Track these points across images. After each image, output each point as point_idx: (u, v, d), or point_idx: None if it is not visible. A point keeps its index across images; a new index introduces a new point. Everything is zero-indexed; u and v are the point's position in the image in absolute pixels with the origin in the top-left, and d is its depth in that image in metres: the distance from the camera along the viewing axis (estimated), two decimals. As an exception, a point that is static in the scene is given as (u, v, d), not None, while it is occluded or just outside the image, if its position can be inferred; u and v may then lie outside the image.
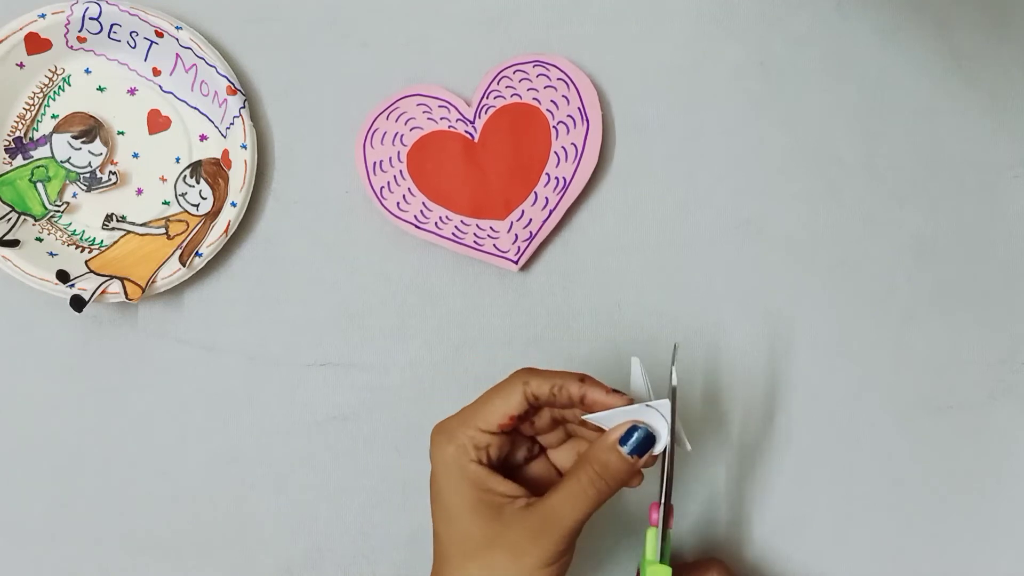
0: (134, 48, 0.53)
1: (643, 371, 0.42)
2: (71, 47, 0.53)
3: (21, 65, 0.52)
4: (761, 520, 0.53)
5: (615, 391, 0.41)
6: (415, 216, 0.53)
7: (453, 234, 0.53)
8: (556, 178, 0.52)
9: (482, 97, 0.53)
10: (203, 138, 0.54)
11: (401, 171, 0.53)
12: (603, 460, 0.40)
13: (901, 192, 0.54)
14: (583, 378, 0.41)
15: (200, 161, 0.53)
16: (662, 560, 0.42)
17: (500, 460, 0.43)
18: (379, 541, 0.53)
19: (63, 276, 0.51)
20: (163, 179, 0.54)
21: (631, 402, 0.40)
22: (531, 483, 0.44)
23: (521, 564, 0.40)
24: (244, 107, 0.52)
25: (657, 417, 0.40)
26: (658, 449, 0.41)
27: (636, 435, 0.40)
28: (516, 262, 0.53)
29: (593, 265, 0.53)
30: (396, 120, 0.53)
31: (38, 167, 0.53)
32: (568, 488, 0.40)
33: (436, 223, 0.53)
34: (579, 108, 0.52)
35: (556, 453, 0.45)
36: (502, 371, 0.53)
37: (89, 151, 0.53)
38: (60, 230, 0.53)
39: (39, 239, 0.53)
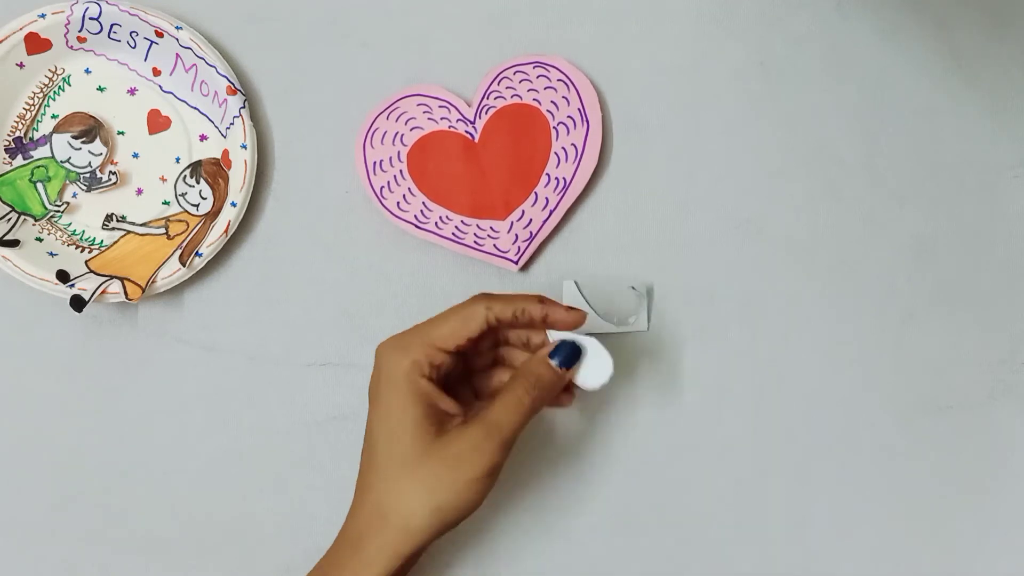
0: (134, 48, 0.53)
1: (579, 291, 0.45)
2: (71, 47, 0.53)
3: (21, 65, 0.52)
4: (761, 520, 0.53)
5: (572, 308, 0.45)
6: (415, 216, 0.53)
7: (453, 234, 0.53)
8: (556, 178, 0.52)
9: (482, 97, 0.53)
10: (203, 138, 0.54)
11: (401, 171, 0.53)
12: (536, 372, 0.44)
13: (901, 192, 0.54)
14: (542, 299, 0.45)
15: (200, 161, 0.53)
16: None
17: (443, 379, 0.45)
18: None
19: (63, 276, 0.51)
20: (163, 179, 0.54)
21: (584, 319, 0.45)
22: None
23: (461, 474, 0.42)
24: (244, 107, 0.52)
25: (593, 342, 0.44)
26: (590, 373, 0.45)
27: (563, 349, 0.44)
28: (516, 262, 0.53)
29: (593, 265, 0.53)
30: (396, 120, 0.53)
31: (38, 167, 0.53)
32: (506, 399, 0.43)
33: (436, 223, 0.53)
34: (579, 109, 0.52)
35: (481, 377, 0.48)
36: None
37: (89, 151, 0.53)
38: (60, 230, 0.53)
39: (39, 239, 0.53)
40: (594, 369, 0.45)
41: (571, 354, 0.44)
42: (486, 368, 0.48)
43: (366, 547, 0.43)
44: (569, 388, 0.46)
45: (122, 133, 0.54)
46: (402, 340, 0.44)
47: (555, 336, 0.45)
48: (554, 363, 0.44)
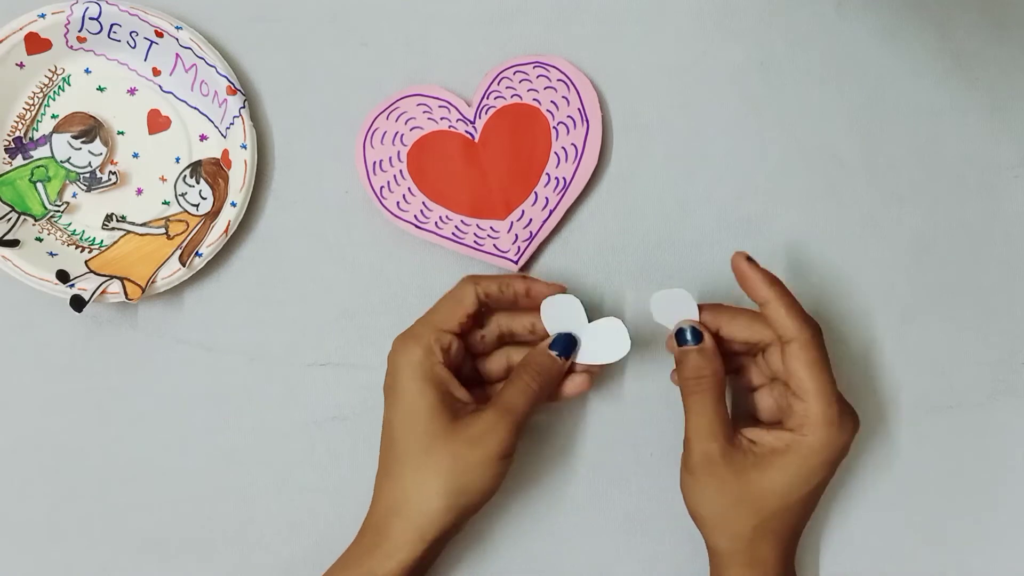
0: (134, 48, 0.53)
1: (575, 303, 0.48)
2: (71, 47, 0.53)
3: (21, 65, 0.52)
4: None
5: (553, 283, 0.48)
6: (415, 216, 0.53)
7: (453, 234, 0.53)
8: (556, 178, 0.52)
9: (482, 97, 0.53)
10: (203, 138, 0.54)
11: (401, 171, 0.53)
12: (539, 361, 0.47)
13: (901, 192, 0.54)
14: (524, 276, 0.49)
15: (200, 161, 0.53)
16: None
17: (456, 367, 0.48)
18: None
19: (63, 276, 0.51)
20: (163, 179, 0.54)
21: (564, 290, 0.48)
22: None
23: (478, 455, 0.45)
24: (244, 107, 0.52)
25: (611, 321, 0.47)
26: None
27: (560, 340, 0.47)
28: (516, 262, 0.53)
29: (593, 265, 0.53)
30: (396, 120, 0.53)
31: (38, 167, 0.53)
32: (515, 385, 0.47)
33: (436, 223, 0.53)
34: (579, 109, 0.52)
35: (490, 377, 0.51)
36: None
37: (89, 151, 0.53)
38: (60, 230, 0.53)
39: (39, 239, 0.53)
40: (612, 345, 0.47)
41: (568, 344, 0.48)
42: (497, 372, 0.50)
43: (390, 533, 0.45)
44: (586, 374, 0.48)
45: (122, 133, 0.54)
46: (412, 332, 0.47)
47: (553, 329, 0.48)
48: (553, 353, 0.47)
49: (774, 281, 0.45)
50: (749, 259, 0.46)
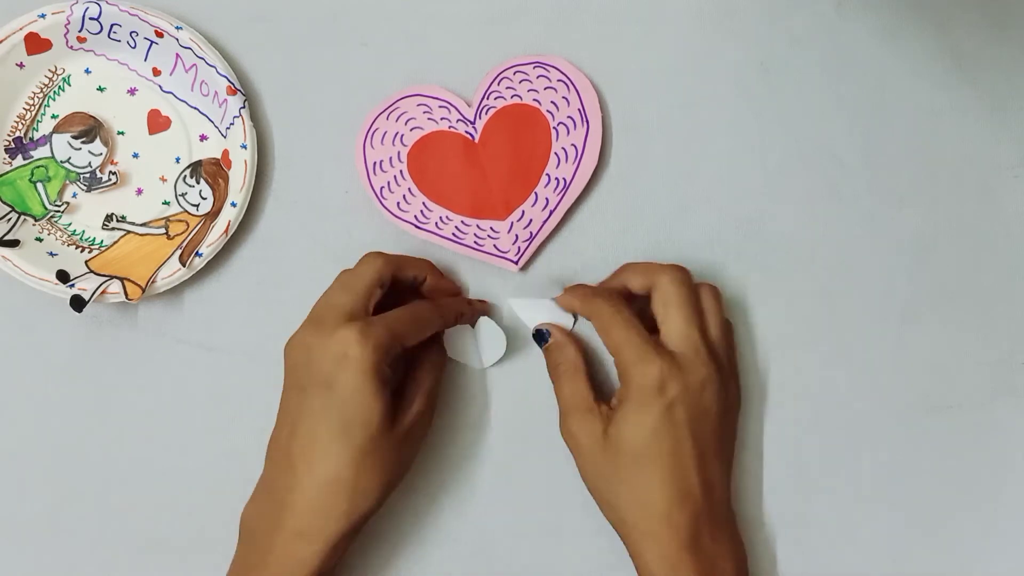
0: (134, 48, 0.53)
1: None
2: (71, 47, 0.53)
3: (21, 65, 0.52)
4: (761, 520, 0.53)
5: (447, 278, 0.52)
6: (415, 216, 0.53)
7: (453, 234, 0.53)
8: (556, 179, 0.52)
9: (482, 98, 0.53)
10: (203, 138, 0.54)
11: (401, 171, 0.53)
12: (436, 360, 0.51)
13: (901, 192, 0.54)
14: (467, 301, 0.53)
15: (200, 161, 0.53)
16: None
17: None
18: (379, 540, 0.53)
19: (63, 276, 0.51)
20: (163, 179, 0.54)
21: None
22: None
23: (417, 444, 0.48)
24: (244, 107, 0.52)
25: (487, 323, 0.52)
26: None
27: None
28: (516, 262, 0.53)
29: (593, 265, 0.53)
30: (396, 120, 0.53)
31: (38, 167, 0.53)
32: (434, 371, 0.50)
33: (436, 223, 0.53)
34: (579, 109, 0.52)
35: None
36: (503, 370, 0.53)
37: (89, 151, 0.53)
38: (60, 230, 0.53)
39: (39, 239, 0.53)
40: (489, 348, 0.52)
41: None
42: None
43: (317, 534, 0.45)
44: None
45: (122, 133, 0.54)
46: (362, 326, 0.45)
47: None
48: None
49: (587, 295, 0.50)
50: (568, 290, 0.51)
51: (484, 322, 0.51)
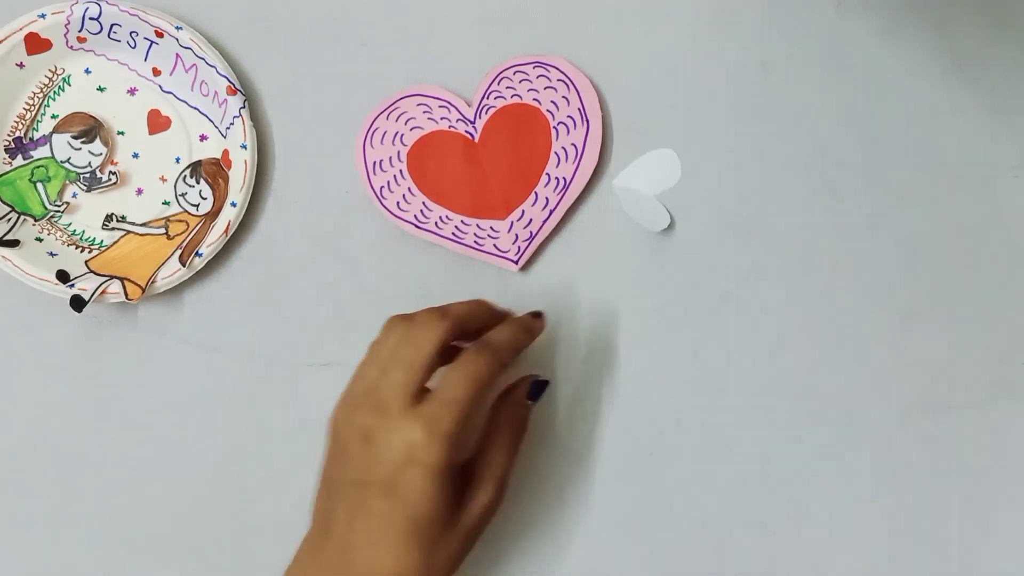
0: (134, 48, 0.53)
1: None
2: (71, 47, 0.53)
3: (21, 65, 0.52)
4: (761, 520, 0.53)
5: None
6: (415, 216, 0.53)
7: (453, 234, 0.53)
8: (556, 178, 0.52)
9: (482, 97, 0.53)
10: (203, 138, 0.54)
11: (401, 171, 0.53)
12: (521, 416, 0.48)
13: (901, 192, 0.54)
14: (527, 322, 0.48)
15: (200, 161, 0.53)
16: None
17: None
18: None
19: (63, 276, 0.51)
20: (163, 179, 0.54)
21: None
22: None
23: (479, 530, 0.44)
24: (244, 107, 0.52)
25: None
26: None
27: (536, 387, 0.48)
28: (516, 262, 0.53)
29: (593, 265, 0.53)
30: (396, 120, 0.53)
31: (38, 167, 0.53)
32: (504, 450, 0.46)
33: (436, 223, 0.53)
34: (579, 109, 0.52)
35: None
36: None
37: (89, 151, 0.53)
38: (60, 230, 0.53)
39: (39, 239, 0.53)
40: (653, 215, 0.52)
41: (540, 392, 0.49)
42: None
43: None
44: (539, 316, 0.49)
45: (122, 133, 0.54)
46: (428, 425, 0.41)
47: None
48: (529, 403, 0.48)
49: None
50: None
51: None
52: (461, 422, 0.41)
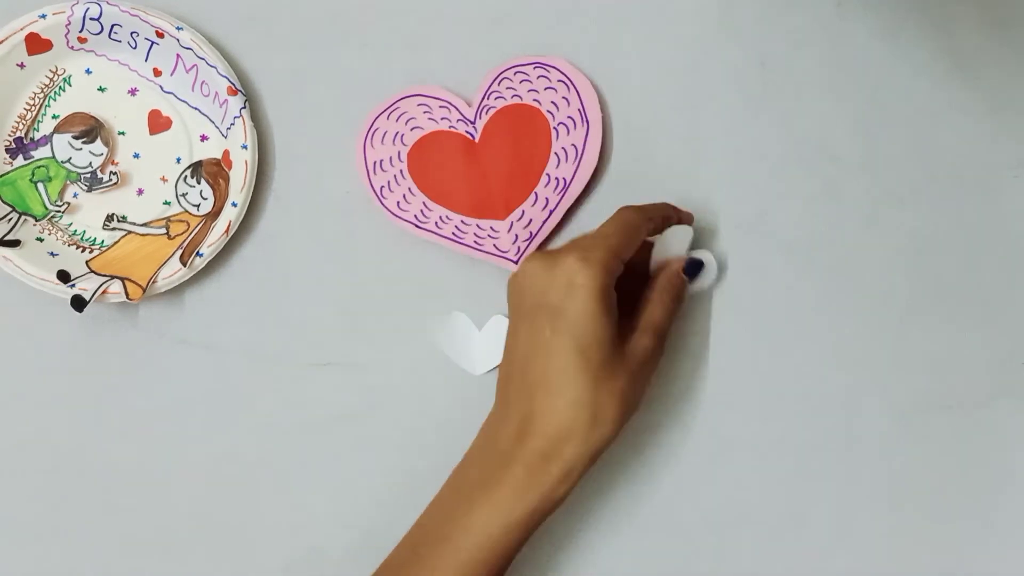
0: (135, 48, 0.53)
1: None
2: (72, 47, 0.53)
3: (22, 65, 0.52)
4: (761, 520, 0.53)
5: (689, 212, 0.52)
6: (415, 216, 0.53)
7: (453, 234, 0.53)
8: (556, 179, 0.53)
9: (483, 98, 0.53)
10: (204, 138, 0.54)
11: (401, 171, 0.53)
12: (677, 284, 0.50)
13: (901, 192, 0.54)
14: (667, 204, 0.51)
15: (201, 161, 0.53)
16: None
17: None
18: (380, 541, 0.53)
19: (64, 276, 0.51)
20: (164, 179, 0.54)
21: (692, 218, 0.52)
22: None
23: (645, 377, 0.47)
24: (245, 107, 0.52)
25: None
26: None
27: (692, 265, 0.51)
28: (516, 262, 0.53)
29: (593, 265, 0.53)
30: (396, 120, 0.53)
31: (39, 167, 0.53)
32: (663, 308, 0.48)
33: (436, 223, 0.53)
34: (579, 109, 0.52)
35: None
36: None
37: (90, 151, 0.53)
38: (61, 230, 0.53)
39: (40, 239, 0.53)
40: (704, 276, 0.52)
41: (698, 269, 0.51)
42: None
43: (563, 455, 0.44)
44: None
45: (123, 133, 0.54)
46: (589, 255, 0.45)
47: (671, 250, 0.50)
48: (685, 277, 0.50)
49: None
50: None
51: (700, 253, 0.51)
52: (612, 254, 0.45)
